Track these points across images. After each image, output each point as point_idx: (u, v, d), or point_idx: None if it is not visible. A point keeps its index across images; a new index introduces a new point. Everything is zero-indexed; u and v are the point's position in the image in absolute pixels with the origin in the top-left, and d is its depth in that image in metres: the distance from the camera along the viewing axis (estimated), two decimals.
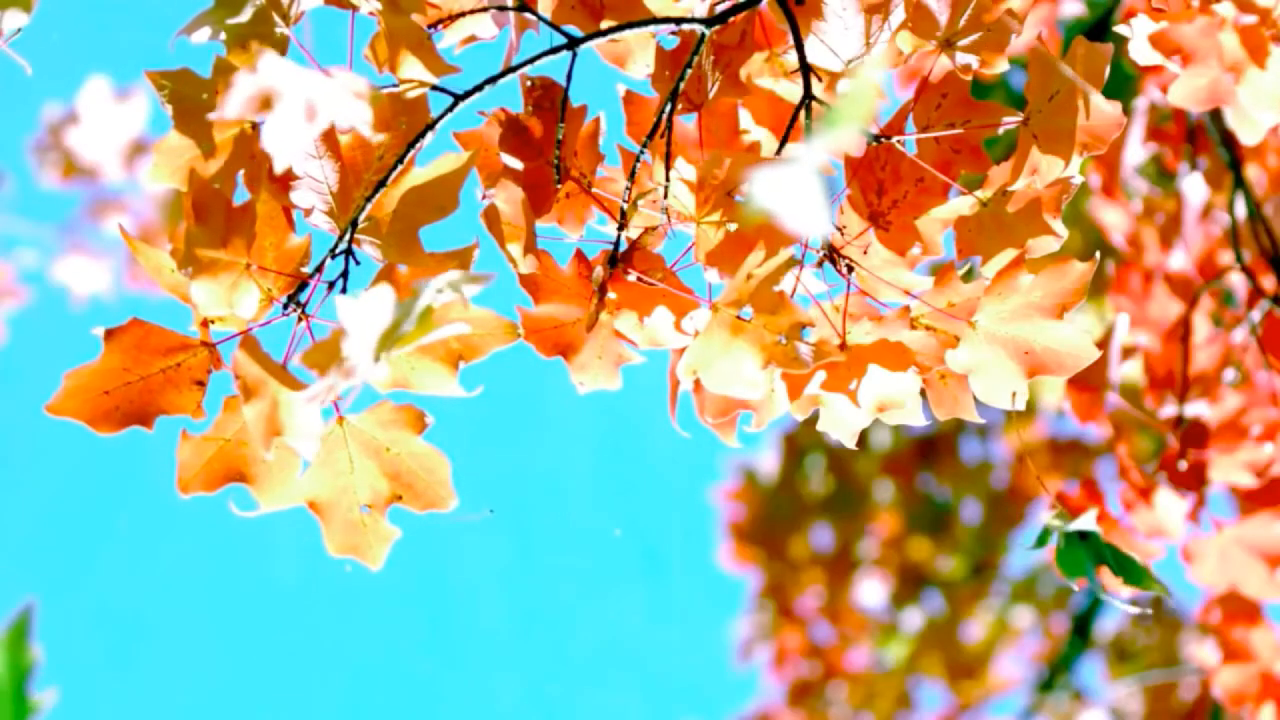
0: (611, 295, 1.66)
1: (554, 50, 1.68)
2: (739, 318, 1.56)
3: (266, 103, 1.40)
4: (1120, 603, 1.84)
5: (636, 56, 1.80)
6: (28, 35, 1.67)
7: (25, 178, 4.80)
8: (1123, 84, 2.96)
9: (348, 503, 1.63)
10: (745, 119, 1.80)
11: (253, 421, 1.50)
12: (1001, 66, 1.69)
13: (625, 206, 1.68)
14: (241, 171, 1.63)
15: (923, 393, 1.66)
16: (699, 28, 1.69)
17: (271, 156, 1.63)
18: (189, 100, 1.64)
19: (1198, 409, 2.49)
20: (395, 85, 1.64)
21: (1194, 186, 2.80)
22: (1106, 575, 2.40)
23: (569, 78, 1.70)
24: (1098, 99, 1.62)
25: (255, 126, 1.64)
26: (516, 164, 1.71)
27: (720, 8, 1.73)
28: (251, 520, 1.64)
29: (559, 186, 1.71)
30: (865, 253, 1.69)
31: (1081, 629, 5.27)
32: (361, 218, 1.61)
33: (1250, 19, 1.91)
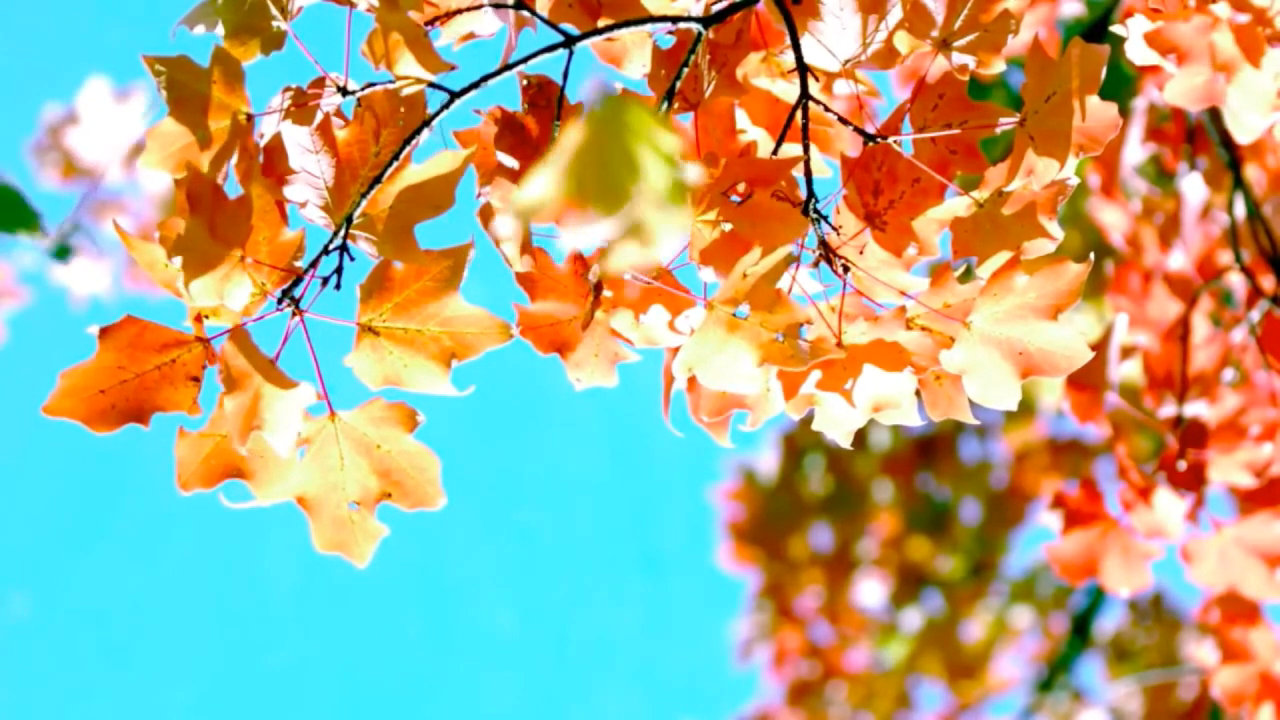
0: (608, 293, 1.66)
1: (550, 49, 1.68)
2: (734, 316, 1.56)
3: None
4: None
5: (633, 55, 1.80)
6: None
7: (26, 178, 4.79)
8: (1121, 84, 2.96)
9: (337, 499, 1.63)
10: (742, 119, 1.80)
11: (232, 414, 1.50)
12: (999, 67, 1.68)
13: None
14: (234, 163, 1.62)
15: (918, 393, 1.65)
16: (695, 27, 1.69)
17: (264, 149, 1.63)
18: (186, 88, 1.63)
19: (1197, 409, 2.49)
20: (392, 82, 1.64)
21: (1193, 186, 2.79)
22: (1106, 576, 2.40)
23: (565, 76, 1.70)
24: (1094, 100, 1.62)
25: (250, 117, 1.64)
26: (512, 162, 1.71)
27: (717, 7, 1.73)
28: (249, 517, 1.64)
29: None
30: (861, 253, 1.69)
31: (1081, 629, 5.27)
32: (356, 214, 1.60)
33: (1245, 18, 1.91)
